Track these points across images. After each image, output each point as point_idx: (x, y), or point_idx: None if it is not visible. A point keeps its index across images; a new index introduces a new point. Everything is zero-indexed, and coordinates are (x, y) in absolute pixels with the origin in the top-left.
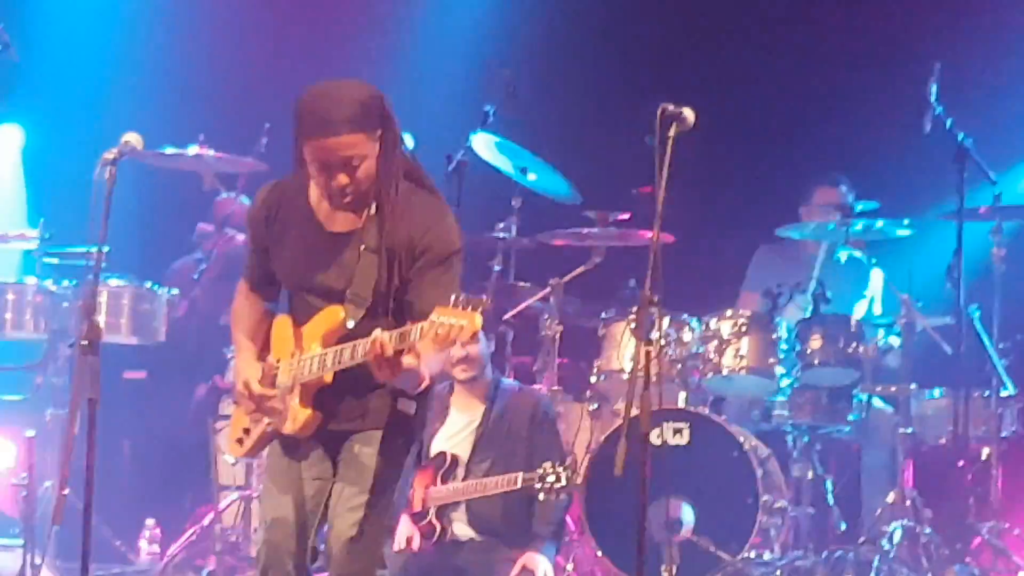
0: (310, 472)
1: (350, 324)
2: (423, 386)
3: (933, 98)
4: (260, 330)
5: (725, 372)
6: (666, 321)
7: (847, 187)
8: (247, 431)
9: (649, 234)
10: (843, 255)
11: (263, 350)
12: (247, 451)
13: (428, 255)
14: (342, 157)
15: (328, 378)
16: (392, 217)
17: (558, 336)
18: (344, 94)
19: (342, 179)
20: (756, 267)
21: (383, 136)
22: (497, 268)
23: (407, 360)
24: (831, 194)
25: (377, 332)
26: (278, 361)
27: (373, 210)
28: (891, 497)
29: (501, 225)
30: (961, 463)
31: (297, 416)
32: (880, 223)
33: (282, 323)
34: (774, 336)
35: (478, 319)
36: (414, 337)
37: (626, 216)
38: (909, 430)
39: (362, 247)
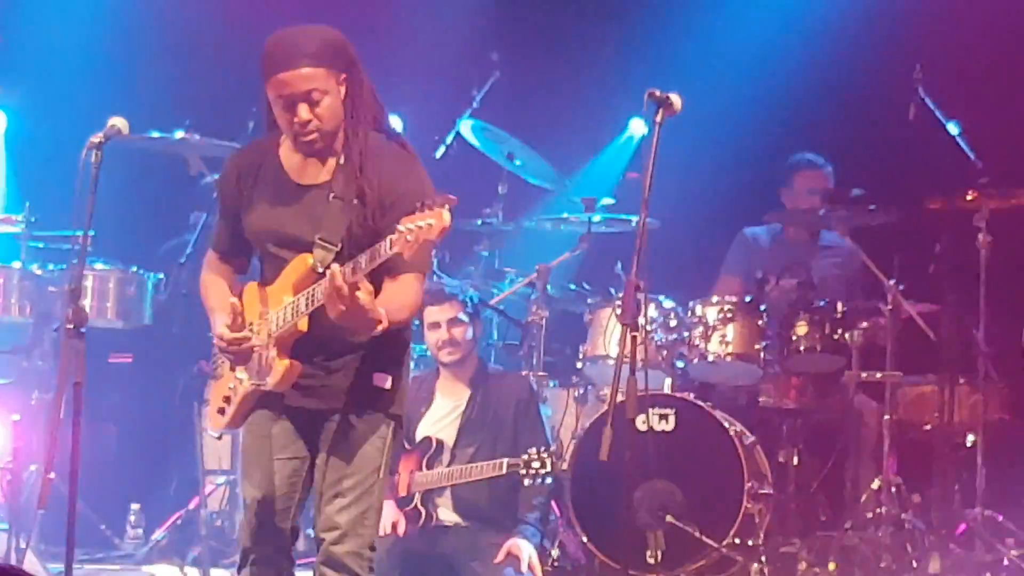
0: (285, 452)
1: (320, 269)
2: (379, 329)
3: (919, 85)
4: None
5: (711, 358)
6: (652, 307)
7: (826, 168)
8: (227, 399)
9: (635, 220)
10: (826, 240)
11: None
12: (230, 420)
13: (399, 206)
14: (302, 91)
15: (303, 326)
16: (361, 165)
17: (544, 321)
18: (306, 32)
19: (303, 113)
20: (737, 251)
21: (348, 80)
22: (484, 254)
23: (361, 296)
24: (813, 178)
25: (334, 267)
26: (251, 324)
27: (342, 160)
28: (876, 483)
29: (488, 211)
30: (946, 450)
31: (275, 367)
32: (866, 209)
33: (251, 289)
34: (760, 322)
35: (446, 215)
36: (384, 251)
37: (612, 202)
38: (895, 417)
39: (331, 195)
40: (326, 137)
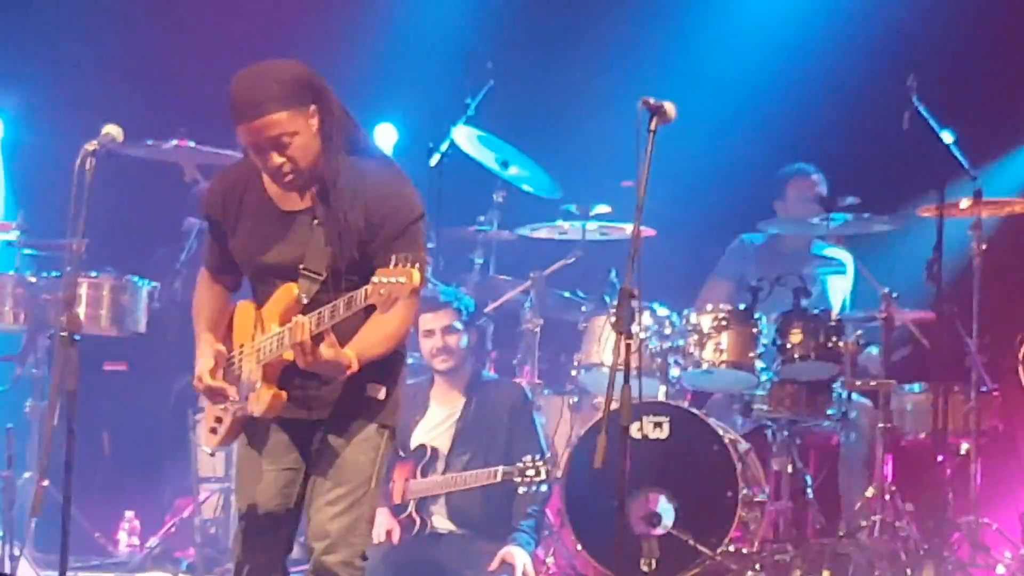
0: (279, 463)
1: (304, 300)
2: (349, 372)
3: (913, 93)
4: (222, 319)
5: (705, 366)
6: (646, 315)
7: (818, 176)
8: (219, 419)
9: (630, 228)
10: (821, 249)
11: (226, 338)
12: (221, 439)
13: (386, 227)
14: (270, 137)
15: (289, 356)
16: (342, 190)
17: (539, 329)
18: (267, 75)
19: (276, 159)
20: (730, 257)
21: (318, 111)
22: (478, 261)
23: (324, 350)
24: (804, 185)
25: (298, 317)
26: (241, 346)
27: (323, 186)
28: (870, 491)
29: (482, 218)
30: (940, 458)
31: (261, 396)
32: (860, 218)
33: (244, 308)
34: (754, 330)
35: (416, 275)
36: (359, 301)
37: (607, 209)
38: (888, 425)
39: (314, 222)
40: (304, 173)
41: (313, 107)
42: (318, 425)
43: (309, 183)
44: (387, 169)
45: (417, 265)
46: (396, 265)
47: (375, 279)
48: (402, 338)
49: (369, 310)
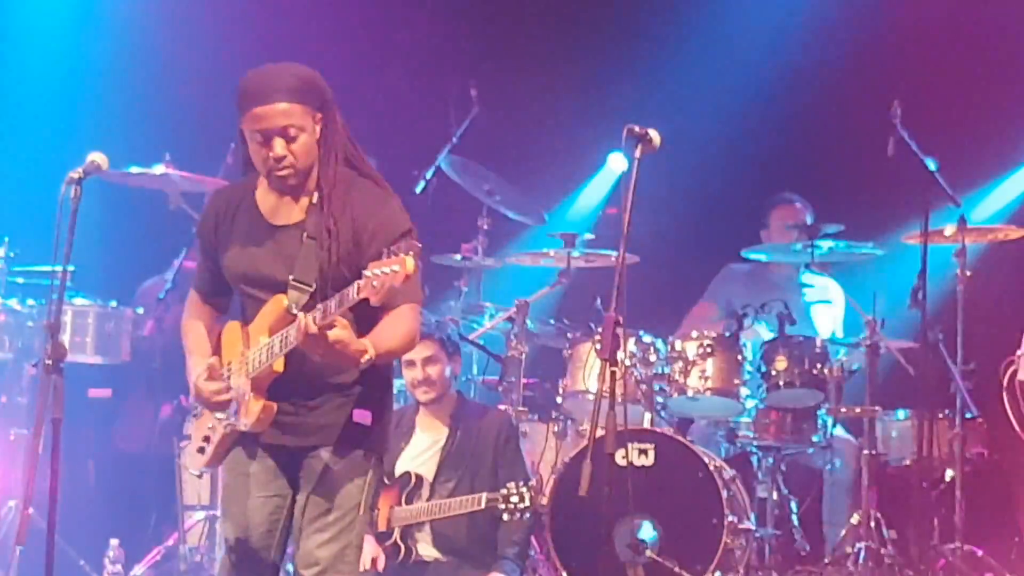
0: (266, 490)
1: (294, 310)
2: (365, 360)
3: (897, 121)
4: (211, 339)
5: (690, 393)
6: (631, 342)
7: (802, 204)
8: (207, 439)
9: (615, 255)
10: (808, 277)
11: (214, 356)
12: (209, 459)
13: (376, 242)
14: (279, 126)
15: (279, 367)
16: (333, 204)
17: (524, 356)
18: (282, 69)
19: (279, 148)
20: (720, 282)
21: (323, 119)
22: (463, 288)
23: (333, 333)
24: (788, 212)
25: (301, 316)
26: (229, 364)
27: (315, 199)
28: (855, 518)
29: (468, 246)
30: (925, 485)
31: (250, 408)
32: (845, 245)
33: (231, 328)
34: (739, 357)
35: (410, 262)
36: (352, 295)
37: (592, 237)
38: (873, 452)
39: (304, 235)
40: (299, 174)
41: (319, 114)
42: (306, 452)
43: (301, 187)
44: (376, 187)
45: (410, 252)
46: (388, 255)
47: (367, 272)
48: (412, 340)
49: (367, 327)
